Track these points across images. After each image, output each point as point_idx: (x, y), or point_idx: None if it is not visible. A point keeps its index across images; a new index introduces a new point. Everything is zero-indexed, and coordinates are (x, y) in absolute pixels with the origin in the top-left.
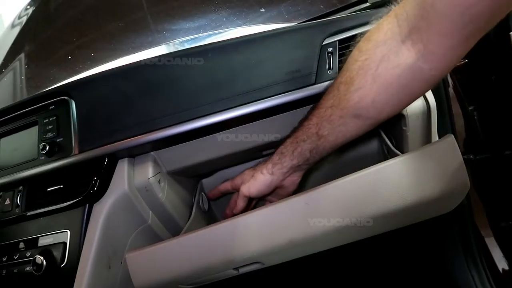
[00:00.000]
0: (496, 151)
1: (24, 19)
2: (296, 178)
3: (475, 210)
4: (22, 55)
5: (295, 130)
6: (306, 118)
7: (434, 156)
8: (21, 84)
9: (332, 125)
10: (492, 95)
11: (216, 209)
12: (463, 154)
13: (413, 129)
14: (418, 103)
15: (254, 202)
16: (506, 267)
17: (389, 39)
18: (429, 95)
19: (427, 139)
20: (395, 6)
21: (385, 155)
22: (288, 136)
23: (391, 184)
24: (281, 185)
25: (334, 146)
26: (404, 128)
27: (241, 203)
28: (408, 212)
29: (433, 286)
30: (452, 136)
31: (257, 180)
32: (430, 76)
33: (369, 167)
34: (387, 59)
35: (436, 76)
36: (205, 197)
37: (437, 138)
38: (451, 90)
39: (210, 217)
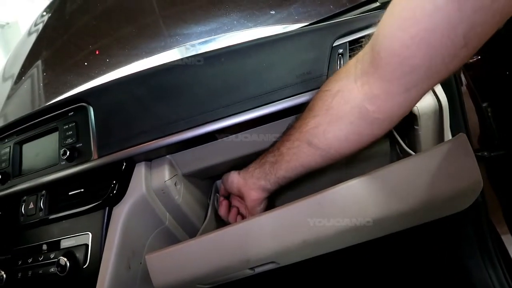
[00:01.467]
0: (510, 148)
1: (40, 26)
2: (256, 194)
3: (490, 207)
4: (39, 62)
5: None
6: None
7: (447, 155)
8: (40, 90)
9: (290, 145)
10: (506, 91)
11: None
12: (477, 151)
13: (425, 128)
14: (430, 102)
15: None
16: None
17: (346, 76)
18: (441, 93)
19: (440, 138)
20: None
21: (398, 154)
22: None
23: (405, 183)
24: (242, 192)
25: (289, 169)
26: (416, 127)
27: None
28: (422, 210)
29: (450, 285)
30: (464, 134)
31: (229, 176)
32: (374, 119)
33: (382, 167)
34: (341, 94)
35: (380, 120)
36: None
37: (450, 136)
38: (464, 88)
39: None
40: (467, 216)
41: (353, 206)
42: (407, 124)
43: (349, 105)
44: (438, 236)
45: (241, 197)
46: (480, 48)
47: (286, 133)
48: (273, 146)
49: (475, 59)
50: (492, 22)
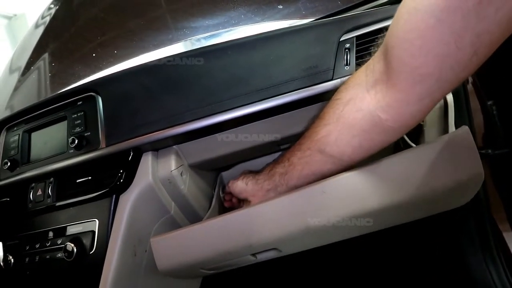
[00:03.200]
0: None
1: (48, 18)
2: None
3: (493, 205)
4: (46, 54)
5: (283, 153)
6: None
7: (449, 146)
8: (47, 81)
9: (301, 154)
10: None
11: None
12: (481, 148)
13: (430, 124)
14: None
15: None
16: None
17: (357, 85)
18: None
19: (444, 134)
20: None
21: (401, 148)
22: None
23: (406, 174)
24: (249, 200)
25: (301, 177)
26: (421, 123)
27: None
28: (424, 202)
29: (450, 281)
30: (467, 127)
31: (236, 184)
32: (387, 127)
33: (385, 158)
34: (353, 103)
35: (394, 128)
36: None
37: None
38: (469, 86)
39: (229, 209)
40: (469, 213)
41: (355, 195)
42: None
43: (362, 113)
44: (440, 232)
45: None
46: None
47: (296, 144)
48: (282, 157)
49: None
50: (499, 30)
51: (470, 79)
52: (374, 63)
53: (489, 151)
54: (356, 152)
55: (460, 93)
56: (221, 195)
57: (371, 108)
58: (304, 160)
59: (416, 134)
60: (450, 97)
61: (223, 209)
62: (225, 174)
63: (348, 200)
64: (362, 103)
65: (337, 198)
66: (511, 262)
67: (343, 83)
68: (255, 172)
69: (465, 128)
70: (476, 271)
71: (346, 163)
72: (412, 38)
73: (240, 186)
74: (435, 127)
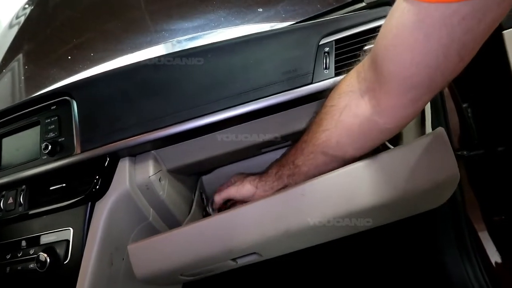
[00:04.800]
0: (489, 148)
1: (22, 19)
2: None
3: (469, 205)
4: (20, 55)
5: (283, 155)
6: (291, 147)
7: (425, 148)
8: (20, 84)
9: (305, 158)
10: (486, 92)
11: None
12: (457, 150)
13: (407, 127)
14: None
15: (229, 204)
16: (499, 261)
17: (351, 91)
18: None
19: (421, 134)
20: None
21: (379, 150)
22: (277, 160)
23: (383, 176)
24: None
25: (309, 176)
26: None
27: (218, 200)
28: (401, 204)
29: (427, 280)
30: (442, 128)
31: (243, 188)
32: (385, 129)
33: (362, 160)
34: (349, 109)
35: (392, 129)
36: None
37: None
38: (446, 88)
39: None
40: (446, 213)
41: (334, 197)
42: None
43: (359, 119)
44: (417, 232)
45: None
46: None
47: (295, 148)
48: (285, 160)
49: None
50: (482, 37)
51: None
52: (365, 71)
53: (465, 152)
54: (358, 151)
55: (436, 96)
56: (210, 210)
57: (367, 114)
58: (308, 162)
59: (393, 136)
60: None
61: (203, 214)
62: (205, 178)
63: (327, 202)
64: (358, 109)
65: (316, 200)
66: (487, 261)
67: (334, 89)
68: (255, 175)
69: (440, 130)
70: (453, 270)
71: (349, 160)
72: (402, 52)
73: (250, 189)
74: (413, 129)
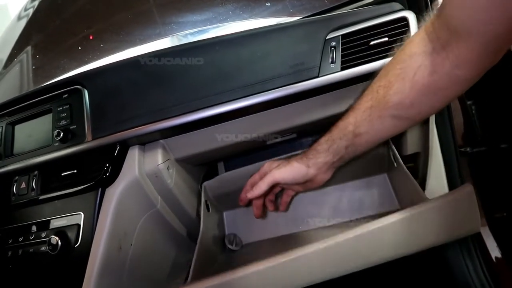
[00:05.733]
0: (492, 145)
1: (31, 11)
2: (327, 175)
3: None
4: (29, 47)
5: (329, 131)
6: (341, 119)
7: (452, 205)
8: (30, 74)
9: (371, 124)
10: (490, 90)
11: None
12: (461, 147)
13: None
14: None
15: (277, 190)
16: (499, 256)
17: (423, 52)
18: None
19: (425, 133)
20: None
21: (390, 159)
22: (321, 136)
23: (408, 234)
24: (312, 179)
25: (369, 145)
26: None
27: (263, 187)
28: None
29: (429, 274)
30: (471, 185)
31: (293, 167)
32: (465, 80)
33: (389, 216)
34: (425, 67)
35: (472, 79)
36: (237, 237)
37: (435, 133)
38: None
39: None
40: None
41: (361, 252)
42: None
43: (438, 75)
44: None
45: (302, 184)
46: None
47: (357, 117)
48: (337, 132)
49: None
50: None
51: None
52: (436, 31)
53: (468, 149)
54: (433, 110)
55: None
56: (232, 247)
57: (447, 69)
58: (375, 128)
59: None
60: None
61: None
62: (207, 184)
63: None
64: (436, 66)
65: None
66: (487, 256)
67: (399, 53)
68: (296, 155)
69: (468, 187)
70: (454, 265)
71: (419, 121)
72: (480, 10)
73: (301, 168)
74: (417, 127)
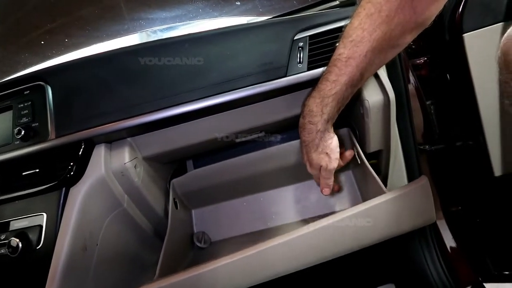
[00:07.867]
0: (449, 143)
1: None
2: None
3: None
4: None
5: (314, 89)
6: (324, 72)
7: (409, 197)
8: None
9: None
10: (447, 91)
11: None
12: (420, 144)
13: (374, 120)
14: (379, 97)
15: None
16: (454, 246)
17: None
18: (389, 89)
19: (387, 129)
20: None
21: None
22: (310, 93)
23: (368, 227)
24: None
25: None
26: (366, 119)
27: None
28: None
29: (390, 265)
30: (426, 178)
31: (334, 141)
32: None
33: (345, 210)
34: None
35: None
36: (206, 235)
37: (396, 131)
38: (411, 86)
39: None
40: None
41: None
42: (359, 116)
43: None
44: None
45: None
46: (427, 51)
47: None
48: (326, 85)
49: (422, 60)
50: None
51: (412, 80)
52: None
53: (427, 146)
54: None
55: (402, 92)
56: (200, 244)
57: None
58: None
59: (362, 128)
60: (392, 96)
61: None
62: (176, 181)
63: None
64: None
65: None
66: (443, 247)
67: (348, 26)
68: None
69: (423, 180)
70: (413, 255)
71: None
72: None
73: (336, 139)
74: (379, 122)
